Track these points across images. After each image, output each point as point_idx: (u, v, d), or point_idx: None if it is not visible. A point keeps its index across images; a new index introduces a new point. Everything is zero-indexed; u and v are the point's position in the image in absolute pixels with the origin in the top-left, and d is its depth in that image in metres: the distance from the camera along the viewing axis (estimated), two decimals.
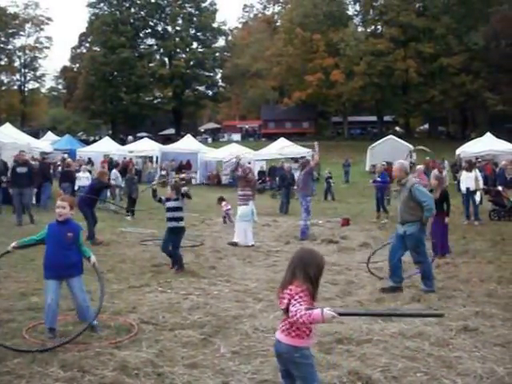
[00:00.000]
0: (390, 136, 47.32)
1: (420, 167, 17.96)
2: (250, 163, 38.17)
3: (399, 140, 43.96)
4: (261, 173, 37.40)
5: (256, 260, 12.09)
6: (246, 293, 8.93)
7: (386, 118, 77.77)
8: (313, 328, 4.13)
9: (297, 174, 20.93)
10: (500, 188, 19.69)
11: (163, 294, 8.83)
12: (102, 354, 5.99)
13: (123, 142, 54.93)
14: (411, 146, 42.27)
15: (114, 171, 22.71)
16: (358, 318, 7.28)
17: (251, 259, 12.09)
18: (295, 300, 3.94)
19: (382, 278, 9.91)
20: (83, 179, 22.01)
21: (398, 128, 78.25)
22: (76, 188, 21.89)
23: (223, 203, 18.57)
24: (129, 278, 9.84)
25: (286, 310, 4.01)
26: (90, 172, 24.18)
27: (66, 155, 34.03)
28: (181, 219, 10.80)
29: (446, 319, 7.28)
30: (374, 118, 77.31)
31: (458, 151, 34.48)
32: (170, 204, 10.76)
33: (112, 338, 6.59)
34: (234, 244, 13.78)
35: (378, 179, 20.29)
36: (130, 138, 63.19)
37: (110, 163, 33.34)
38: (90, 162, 36.17)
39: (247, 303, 8.27)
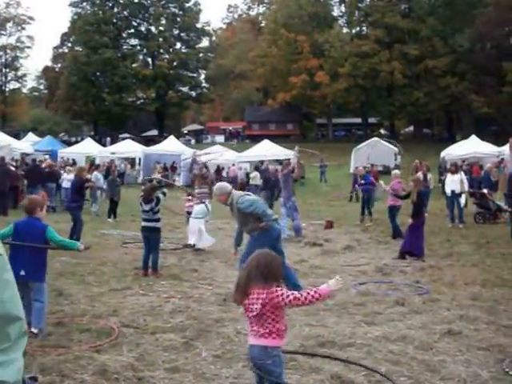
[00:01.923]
0: (375, 138, 46.94)
1: (396, 172, 17.51)
2: (233, 165, 37.84)
3: (384, 142, 44.02)
4: (246, 175, 37.07)
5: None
6: (228, 296, 8.56)
7: (371, 120, 77.56)
8: (285, 330, 4.08)
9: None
10: (485, 190, 19.85)
11: (145, 297, 8.81)
12: (82, 357, 5.93)
13: (110, 144, 54.56)
14: (396, 149, 41.97)
15: (96, 173, 22.30)
16: (341, 322, 7.41)
17: (234, 262, 11.48)
18: (281, 295, 3.92)
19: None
20: (66, 181, 21.67)
21: (382, 130, 77.77)
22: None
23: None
24: (110, 281, 9.80)
25: (256, 315, 3.92)
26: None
27: (47, 156, 33.16)
28: (157, 220, 10.76)
29: (429, 322, 7.32)
30: (358, 120, 77.16)
31: (442, 154, 34.69)
32: (146, 207, 10.69)
33: (92, 341, 6.55)
34: (191, 246, 13.40)
35: (362, 182, 20.33)
36: (108, 139, 62.80)
37: (92, 165, 33.10)
38: (74, 163, 35.57)
39: (229, 306, 8.10)
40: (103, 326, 7.14)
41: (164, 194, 11.26)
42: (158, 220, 10.79)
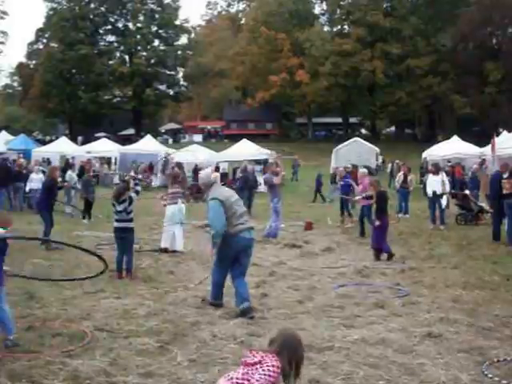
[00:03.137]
0: (356, 138, 46.72)
1: (364, 171, 17.15)
2: (211, 165, 37.43)
3: (365, 142, 43.76)
4: (223, 175, 36.05)
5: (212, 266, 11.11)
6: (206, 297, 8.55)
7: (352, 120, 77.67)
8: None
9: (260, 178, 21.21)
10: (467, 192, 19.79)
11: (119, 299, 8.62)
12: (53, 363, 5.81)
13: (82, 143, 53.87)
14: (377, 149, 42.07)
15: (69, 172, 21.77)
16: (320, 325, 7.31)
17: (211, 264, 10.93)
18: (267, 369, 3.73)
19: None
20: (35, 181, 20.80)
21: (363, 130, 77.65)
22: (27, 190, 21.38)
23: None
24: (83, 284, 9.42)
25: (247, 364, 3.80)
26: (43, 172, 22.37)
27: (20, 155, 32.60)
28: (130, 221, 10.58)
29: (409, 325, 7.29)
30: (339, 120, 76.84)
31: (424, 154, 34.50)
32: (119, 207, 10.49)
33: (64, 346, 6.40)
34: (164, 250, 13.00)
35: (342, 183, 20.13)
36: (80, 138, 62.12)
37: (66, 164, 32.53)
38: (49, 162, 34.91)
39: (206, 309, 8.09)
40: (76, 329, 7.00)
41: (137, 192, 11.23)
42: (131, 220, 10.60)
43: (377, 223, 12.47)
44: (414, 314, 7.90)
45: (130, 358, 6.07)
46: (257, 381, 3.70)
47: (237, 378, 3.79)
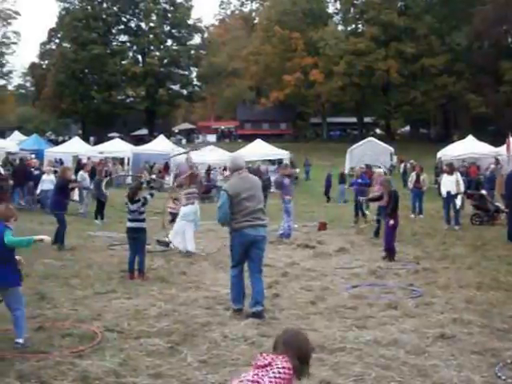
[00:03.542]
0: (370, 138, 46.98)
1: (380, 170, 16.79)
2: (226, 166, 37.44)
3: (380, 142, 43.93)
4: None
5: (229, 265, 11.11)
6: (216, 299, 8.73)
7: (367, 120, 77.17)
8: None
9: (273, 177, 21.26)
10: (484, 192, 19.76)
11: (130, 300, 8.61)
12: (63, 363, 5.78)
13: (94, 143, 53.85)
14: (391, 149, 41.89)
15: (81, 172, 21.68)
16: (332, 326, 7.31)
17: (224, 264, 11.36)
18: (278, 372, 3.66)
19: None
20: (47, 182, 20.73)
21: (378, 130, 77.25)
22: (38, 191, 21.42)
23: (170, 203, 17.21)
24: (94, 284, 9.57)
25: (258, 367, 3.74)
26: (56, 172, 22.39)
27: (33, 155, 32.90)
28: (143, 221, 10.61)
29: (422, 326, 7.23)
30: (353, 120, 76.47)
31: (439, 154, 34.13)
32: (132, 207, 10.53)
33: (74, 346, 6.37)
34: (164, 244, 13.35)
35: (359, 180, 20.31)
36: (92, 138, 62.23)
37: (78, 164, 32.63)
38: (61, 163, 34.86)
39: (217, 310, 8.11)
40: (86, 330, 6.98)
41: (151, 194, 11.11)
42: (143, 220, 10.63)
43: (391, 222, 12.40)
44: (427, 315, 7.84)
45: (139, 359, 6.05)
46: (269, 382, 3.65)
47: (247, 380, 3.74)
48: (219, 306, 8.36)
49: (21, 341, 6.33)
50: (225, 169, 33.74)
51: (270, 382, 3.65)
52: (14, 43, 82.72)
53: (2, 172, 21.37)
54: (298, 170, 38.16)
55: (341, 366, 5.87)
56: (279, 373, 3.69)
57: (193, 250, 12.99)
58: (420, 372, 5.74)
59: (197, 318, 7.60)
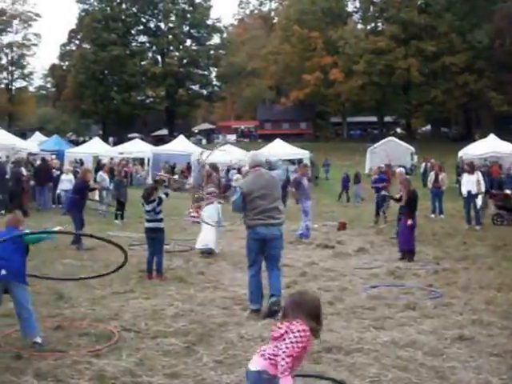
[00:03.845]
0: (391, 137, 46.86)
1: (401, 170, 16.69)
2: (244, 166, 37.36)
3: (400, 142, 43.75)
4: None
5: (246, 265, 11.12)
6: (233, 299, 8.75)
7: (387, 119, 76.61)
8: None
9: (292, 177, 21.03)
10: (508, 191, 19.86)
11: (148, 300, 8.67)
12: (79, 362, 5.84)
13: (114, 144, 54.14)
14: (412, 148, 41.60)
15: (101, 173, 21.91)
16: (350, 326, 7.29)
17: (242, 264, 11.14)
18: (294, 337, 3.84)
19: None
20: (66, 182, 20.87)
21: (399, 129, 76.77)
22: (58, 191, 21.64)
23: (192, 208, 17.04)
24: (113, 284, 9.58)
25: (275, 338, 3.93)
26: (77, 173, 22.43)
27: (54, 156, 32.69)
28: (160, 221, 10.62)
29: (441, 327, 7.20)
30: (374, 119, 75.97)
31: (460, 153, 33.81)
32: (148, 207, 10.57)
33: (91, 346, 6.42)
34: (209, 252, 12.93)
35: (376, 176, 20.40)
36: (111, 139, 62.56)
37: (98, 165, 32.76)
38: (81, 163, 34.92)
39: (234, 310, 8.14)
40: (103, 330, 7.04)
41: (166, 194, 11.20)
42: (160, 220, 10.65)
43: (409, 222, 12.35)
44: (446, 316, 7.80)
45: (156, 359, 6.08)
46: (284, 350, 3.81)
47: (268, 353, 3.92)
48: (236, 306, 8.37)
49: (39, 340, 6.35)
50: (239, 169, 33.63)
51: (287, 347, 3.82)
52: (35, 45, 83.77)
53: (25, 173, 21.52)
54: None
55: (357, 367, 5.84)
56: (296, 337, 3.85)
57: (214, 247, 12.98)
58: (438, 374, 5.69)
59: (214, 318, 7.62)
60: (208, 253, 12.81)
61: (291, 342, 3.84)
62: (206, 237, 12.98)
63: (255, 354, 4.05)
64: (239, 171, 33.17)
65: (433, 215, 20.58)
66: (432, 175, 21.32)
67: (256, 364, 3.96)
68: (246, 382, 4.11)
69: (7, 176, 20.75)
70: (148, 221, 10.60)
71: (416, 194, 12.75)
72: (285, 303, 4.15)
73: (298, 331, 3.86)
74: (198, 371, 5.76)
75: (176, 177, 37.24)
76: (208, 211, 13.28)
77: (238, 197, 8.17)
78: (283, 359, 3.82)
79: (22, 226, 6.84)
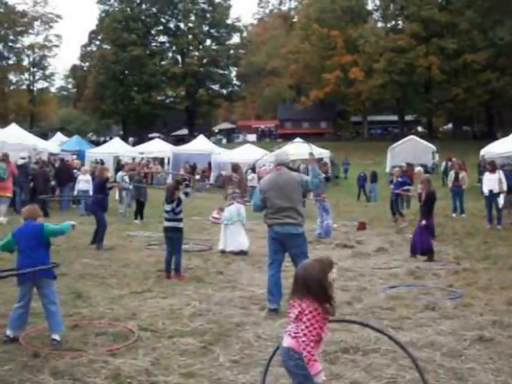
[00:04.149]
0: (412, 136, 46.44)
1: (419, 169, 16.37)
2: (264, 165, 37.38)
3: (421, 140, 43.37)
4: None
5: (266, 265, 11.31)
6: (251, 299, 8.73)
7: (408, 118, 76.24)
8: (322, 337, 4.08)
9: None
10: None
11: (165, 300, 8.68)
12: (96, 361, 5.88)
13: (133, 144, 54.46)
14: (433, 147, 41.32)
15: (120, 173, 21.95)
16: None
17: (261, 264, 11.40)
18: (307, 319, 3.94)
19: None
20: (83, 182, 21.00)
21: (420, 128, 76.25)
22: (75, 192, 21.53)
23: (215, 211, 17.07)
24: (131, 284, 9.67)
25: (293, 319, 4.03)
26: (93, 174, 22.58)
27: (74, 156, 33.52)
28: (179, 220, 10.61)
29: (460, 328, 7.11)
30: (395, 118, 75.60)
31: (482, 152, 33.03)
32: (167, 207, 10.58)
33: (108, 345, 6.46)
34: (244, 253, 12.97)
35: (399, 180, 19.95)
36: (131, 139, 62.89)
37: (118, 165, 33.33)
38: (102, 163, 34.85)
39: (252, 310, 8.11)
40: (121, 329, 7.03)
41: (186, 194, 11.12)
42: (180, 220, 10.63)
43: (423, 222, 12.30)
44: (466, 317, 7.69)
45: (172, 358, 6.08)
46: (304, 339, 3.94)
47: (293, 332, 4.05)
48: (254, 306, 8.33)
49: (57, 338, 6.41)
50: (253, 169, 33.61)
51: (304, 333, 3.95)
52: (56, 46, 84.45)
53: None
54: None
55: (374, 368, 5.79)
56: (309, 319, 3.95)
57: (243, 248, 13.04)
58: (456, 375, 5.62)
59: (231, 318, 7.60)
60: (243, 254, 12.87)
61: (306, 327, 3.94)
62: (239, 239, 13.09)
63: (285, 334, 4.17)
64: (253, 170, 33.22)
65: (454, 214, 20.39)
66: (452, 174, 21.13)
67: (286, 341, 4.09)
68: (281, 358, 4.22)
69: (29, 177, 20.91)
70: (167, 220, 10.59)
71: (435, 196, 12.70)
72: (293, 282, 4.17)
73: (310, 312, 3.95)
74: (213, 371, 5.75)
75: (197, 177, 37.38)
76: (228, 212, 13.36)
77: (256, 194, 8.31)
78: (304, 349, 3.93)
79: (40, 218, 6.84)
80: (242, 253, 12.87)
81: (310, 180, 8.14)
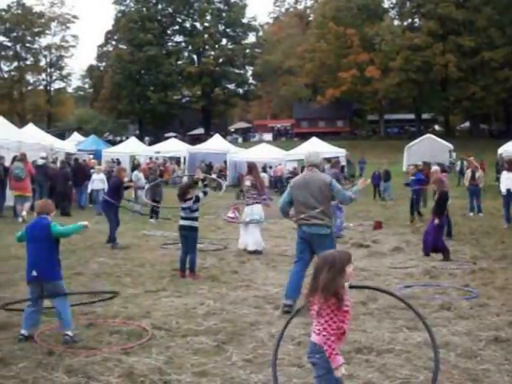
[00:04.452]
0: (429, 135, 46.26)
1: (436, 168, 16.35)
2: (280, 164, 37.45)
3: (438, 139, 43.27)
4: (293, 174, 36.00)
5: (281, 264, 11.59)
6: (265, 298, 8.68)
7: (425, 116, 75.80)
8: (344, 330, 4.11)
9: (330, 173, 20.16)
10: None
11: (179, 298, 8.67)
12: (110, 359, 5.90)
13: (149, 143, 54.62)
14: (450, 146, 41.08)
15: (136, 172, 21.93)
16: (382, 326, 7.14)
17: (276, 263, 11.70)
18: (326, 314, 4.02)
19: None
20: (97, 181, 21.12)
21: (437, 126, 75.85)
22: (89, 191, 21.77)
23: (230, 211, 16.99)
24: (146, 283, 9.70)
25: (316, 315, 4.09)
26: (110, 173, 22.66)
27: (91, 156, 33.39)
28: (195, 219, 10.54)
29: (475, 329, 7.02)
30: (411, 116, 75.26)
31: (500, 150, 33.47)
32: (183, 205, 10.52)
33: (122, 343, 6.49)
34: (259, 252, 12.94)
35: (413, 178, 19.79)
36: (147, 138, 63.29)
37: (133, 164, 33.13)
38: (118, 163, 35.30)
39: (266, 309, 8.07)
40: (135, 327, 7.05)
41: (205, 193, 11.00)
42: (195, 219, 10.53)
43: (436, 221, 12.18)
44: (482, 317, 7.58)
45: (185, 357, 6.07)
46: (324, 334, 4.00)
47: (317, 329, 4.08)
48: (268, 305, 8.29)
49: (70, 333, 6.44)
50: (264, 168, 33.60)
51: (324, 327, 4.01)
52: (73, 46, 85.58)
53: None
54: None
55: (388, 368, 5.74)
56: (328, 314, 4.01)
57: (258, 247, 13.02)
58: (470, 376, 5.55)
59: (245, 317, 7.58)
60: (258, 253, 12.85)
61: (326, 321, 4.01)
62: (258, 239, 13.08)
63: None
64: (264, 170, 33.22)
65: (471, 213, 20.23)
66: (468, 173, 20.94)
67: (312, 337, 4.15)
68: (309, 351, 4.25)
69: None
70: (183, 218, 10.51)
71: (447, 196, 12.71)
72: (311, 279, 4.21)
73: (328, 306, 4.01)
74: (226, 370, 5.74)
75: (214, 176, 37.37)
76: (246, 212, 13.41)
77: (284, 193, 8.41)
78: (325, 343, 3.99)
79: (53, 213, 6.89)
80: (257, 252, 12.85)
81: (343, 194, 8.18)
